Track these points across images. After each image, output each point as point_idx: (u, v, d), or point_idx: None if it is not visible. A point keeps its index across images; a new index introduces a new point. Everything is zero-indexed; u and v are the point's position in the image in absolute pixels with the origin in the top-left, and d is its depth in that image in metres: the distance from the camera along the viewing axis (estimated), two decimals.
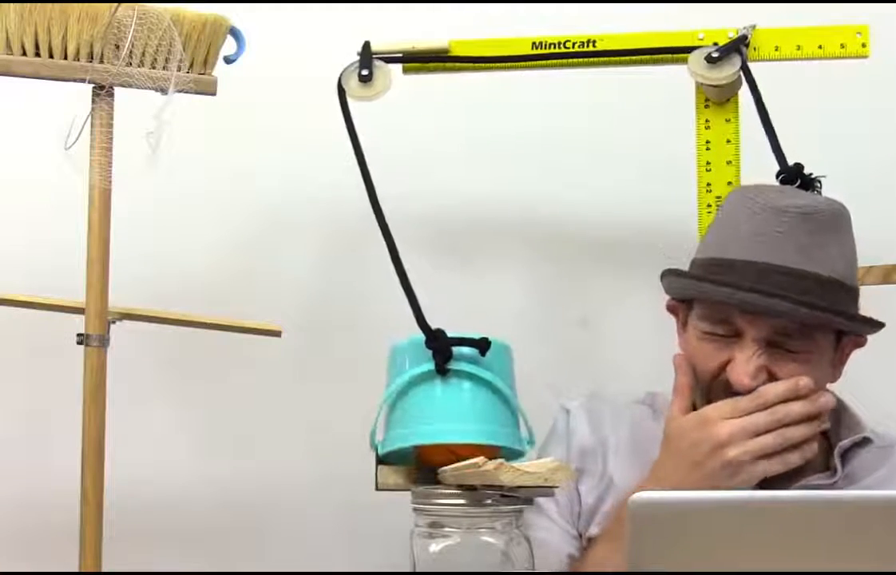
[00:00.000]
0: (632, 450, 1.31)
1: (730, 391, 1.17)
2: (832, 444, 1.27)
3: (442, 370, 1.11)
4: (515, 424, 1.14)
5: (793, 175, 1.25)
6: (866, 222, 1.35)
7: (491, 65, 1.42)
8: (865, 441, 1.26)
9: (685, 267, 1.26)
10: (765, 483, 1.21)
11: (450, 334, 1.12)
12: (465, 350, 1.12)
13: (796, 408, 1.14)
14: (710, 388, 1.21)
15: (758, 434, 1.13)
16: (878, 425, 1.30)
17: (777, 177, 1.27)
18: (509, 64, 1.42)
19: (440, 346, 1.11)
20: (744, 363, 1.17)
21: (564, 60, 1.40)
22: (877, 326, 1.22)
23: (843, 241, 1.20)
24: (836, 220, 1.19)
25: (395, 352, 1.16)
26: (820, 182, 1.25)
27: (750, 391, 1.16)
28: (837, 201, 1.22)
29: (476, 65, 1.42)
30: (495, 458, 1.05)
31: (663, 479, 1.17)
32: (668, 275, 1.25)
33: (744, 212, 1.20)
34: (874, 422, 1.31)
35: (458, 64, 1.42)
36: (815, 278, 1.16)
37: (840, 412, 1.29)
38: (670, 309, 1.30)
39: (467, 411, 1.11)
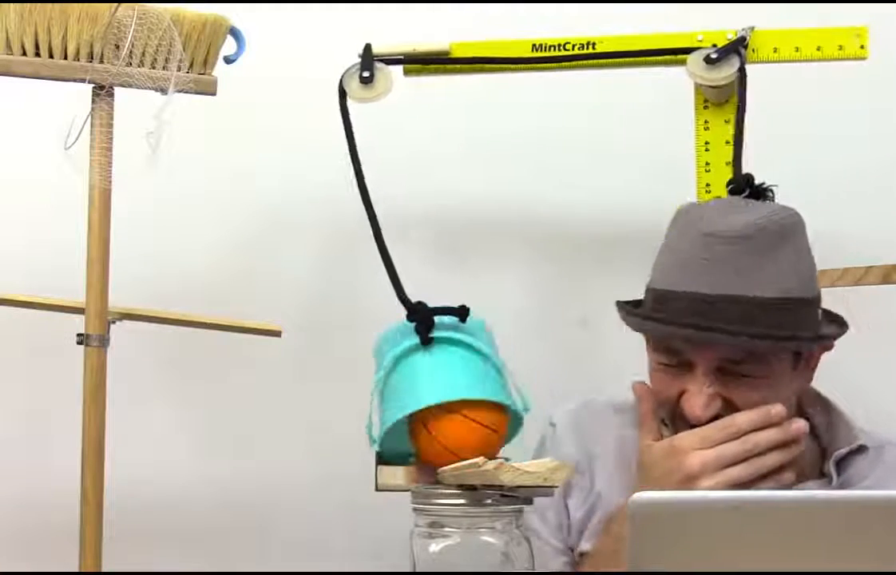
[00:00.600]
0: (618, 462, 1.30)
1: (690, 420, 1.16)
2: (826, 452, 1.26)
3: (426, 340, 1.13)
4: (508, 388, 1.15)
5: (741, 185, 1.22)
6: (866, 222, 1.36)
7: (491, 67, 1.42)
8: (861, 449, 1.24)
9: None
10: (755, 487, 1.21)
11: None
12: (447, 321, 1.14)
13: (767, 436, 1.12)
14: (672, 414, 1.20)
15: (729, 464, 1.12)
16: (868, 423, 1.29)
17: (727, 186, 1.25)
18: (510, 66, 1.42)
19: (422, 316, 1.13)
20: (696, 395, 1.15)
21: (564, 63, 1.41)
22: (829, 337, 1.19)
23: (796, 251, 1.15)
24: (782, 234, 1.14)
25: (379, 342, 1.18)
26: (772, 191, 1.22)
27: (705, 422, 1.14)
28: (789, 208, 1.17)
29: (477, 67, 1.42)
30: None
31: None
32: (618, 309, 1.25)
33: (682, 238, 1.17)
34: (864, 419, 1.30)
35: (458, 66, 1.43)
36: (757, 303, 1.11)
37: (832, 415, 1.28)
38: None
39: (458, 373, 1.13)
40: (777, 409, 1.13)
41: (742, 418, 1.13)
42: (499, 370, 1.15)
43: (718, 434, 1.13)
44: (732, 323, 1.11)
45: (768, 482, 1.13)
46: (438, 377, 1.13)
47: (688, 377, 1.17)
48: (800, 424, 1.14)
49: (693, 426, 1.16)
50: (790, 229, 1.15)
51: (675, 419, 1.20)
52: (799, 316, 1.15)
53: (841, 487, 1.22)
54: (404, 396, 1.13)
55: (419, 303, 1.15)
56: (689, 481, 1.12)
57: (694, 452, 1.12)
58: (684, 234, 1.18)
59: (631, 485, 1.21)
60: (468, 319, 1.16)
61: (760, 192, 1.22)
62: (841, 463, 1.24)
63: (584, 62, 1.40)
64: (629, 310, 1.23)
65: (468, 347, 1.14)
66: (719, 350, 1.14)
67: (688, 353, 1.16)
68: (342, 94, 1.36)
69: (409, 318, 1.15)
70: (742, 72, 1.33)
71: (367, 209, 1.22)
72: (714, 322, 1.11)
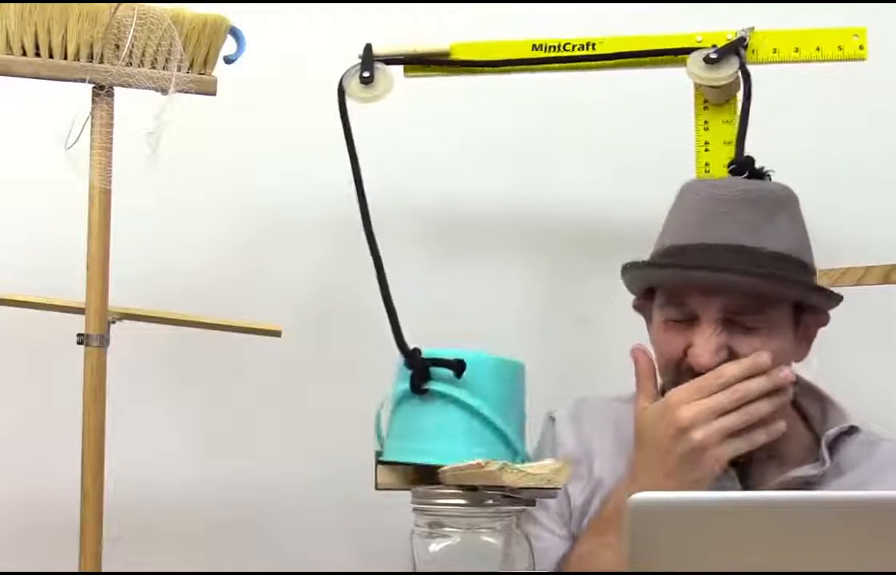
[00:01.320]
0: (616, 451, 1.31)
1: (695, 375, 1.18)
2: (818, 435, 1.27)
3: (419, 391, 1.13)
4: (499, 444, 1.14)
5: (742, 167, 1.26)
6: (866, 222, 1.36)
7: (491, 69, 1.42)
8: (852, 430, 1.26)
9: None
10: (750, 473, 1.22)
11: (436, 348, 1.14)
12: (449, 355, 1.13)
13: (757, 384, 1.14)
14: (677, 375, 1.21)
15: (721, 414, 1.13)
16: (865, 424, 1.29)
17: (727, 167, 1.29)
18: (509, 68, 1.42)
19: (417, 366, 1.13)
20: (703, 343, 1.18)
21: (564, 64, 1.41)
22: (833, 298, 1.22)
23: (793, 219, 1.22)
24: (783, 201, 1.21)
25: (396, 365, 1.18)
26: (769, 175, 1.26)
27: (711, 370, 1.16)
28: (785, 185, 1.23)
29: (477, 69, 1.42)
30: None
31: (638, 471, 1.18)
32: (624, 272, 1.28)
33: (690, 201, 1.24)
34: (864, 416, 1.30)
35: (458, 68, 1.43)
36: (764, 253, 1.18)
37: (825, 405, 1.29)
38: (637, 309, 1.32)
39: (434, 430, 1.13)
40: (764, 357, 1.15)
41: (731, 368, 1.15)
42: (491, 423, 1.13)
43: (708, 383, 1.15)
44: (742, 268, 1.16)
45: (760, 432, 1.15)
46: (421, 434, 1.14)
47: (695, 330, 1.19)
48: (787, 372, 1.16)
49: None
50: (786, 200, 1.22)
51: (679, 379, 1.20)
52: (800, 274, 1.20)
53: (835, 468, 1.23)
54: (393, 440, 1.17)
55: (415, 350, 1.14)
56: (682, 434, 1.13)
57: (685, 406, 1.14)
58: (690, 199, 1.24)
59: (629, 455, 1.22)
60: (503, 361, 1.16)
61: (760, 175, 1.26)
62: (833, 446, 1.25)
63: (585, 64, 1.41)
64: (634, 264, 1.26)
65: (459, 403, 1.13)
66: (727, 299, 1.17)
67: (696, 304, 1.19)
68: (341, 95, 1.36)
69: (406, 364, 1.15)
70: (744, 70, 1.34)
71: (368, 238, 1.22)
72: (727, 264, 1.16)
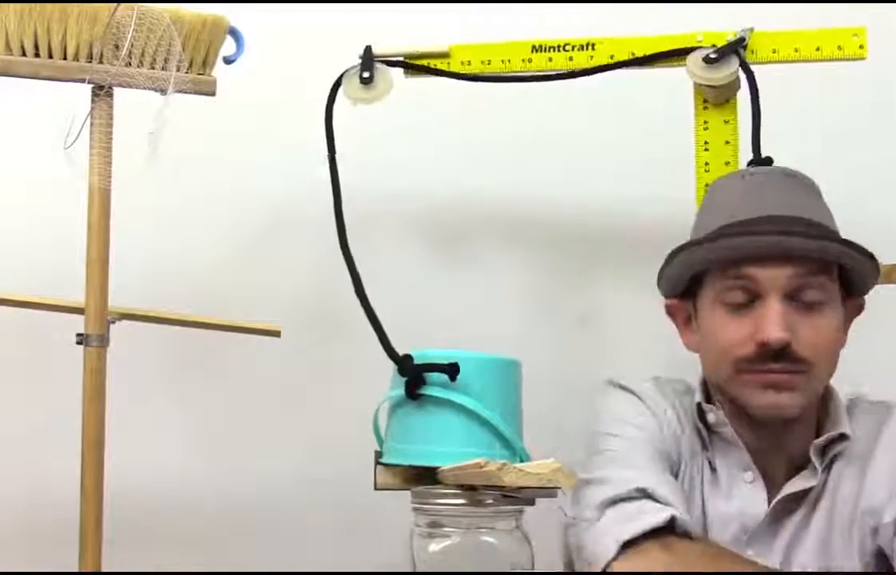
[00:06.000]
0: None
1: (758, 361, 1.16)
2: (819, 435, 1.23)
3: (413, 395, 1.14)
4: (496, 443, 1.14)
5: (761, 165, 1.27)
6: (866, 222, 1.35)
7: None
8: (842, 438, 1.22)
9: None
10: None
11: (429, 350, 1.14)
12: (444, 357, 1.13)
13: None
14: (744, 364, 1.17)
15: None
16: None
17: (748, 165, 1.28)
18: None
19: (410, 373, 1.14)
20: (774, 317, 1.15)
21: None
22: (875, 280, 1.22)
23: (824, 201, 1.23)
24: (815, 185, 1.23)
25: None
26: None
27: (782, 346, 1.14)
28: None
29: (475, 73, 1.42)
30: None
31: None
32: (673, 258, 1.22)
33: (732, 183, 1.23)
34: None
35: (458, 70, 1.42)
36: (825, 226, 1.18)
37: (828, 403, 1.25)
38: (670, 310, 1.29)
39: (431, 433, 1.14)
40: None
41: None
42: (491, 425, 1.13)
43: None
44: (812, 232, 1.16)
45: None
46: (418, 436, 1.14)
47: (757, 311, 1.17)
48: None
49: (761, 363, 1.15)
50: (817, 186, 1.24)
51: (745, 368, 1.17)
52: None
53: (825, 489, 1.21)
54: (392, 442, 1.17)
55: (406, 356, 1.15)
56: None
57: None
58: (730, 181, 1.24)
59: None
60: (497, 359, 1.16)
61: None
62: (825, 453, 1.21)
63: (584, 65, 1.40)
64: (694, 243, 1.21)
65: (453, 405, 1.13)
66: (791, 270, 1.15)
67: (760, 277, 1.16)
68: (333, 91, 1.36)
69: (400, 372, 1.15)
70: (746, 69, 1.34)
71: (344, 253, 1.25)
72: (798, 228, 1.15)
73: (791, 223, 1.16)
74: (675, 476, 1.23)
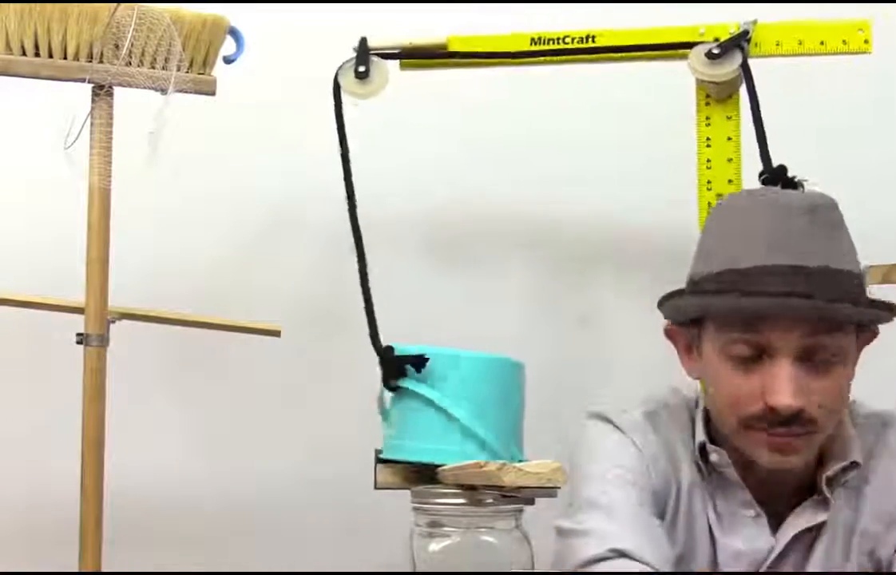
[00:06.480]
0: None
1: (766, 421, 1.09)
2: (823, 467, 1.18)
3: (391, 387, 1.17)
4: (470, 443, 1.14)
5: (776, 177, 1.19)
6: (866, 222, 1.34)
7: (489, 61, 1.40)
8: (853, 466, 1.16)
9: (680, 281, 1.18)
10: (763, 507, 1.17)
11: (427, 346, 1.15)
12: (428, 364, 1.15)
13: None
14: (752, 419, 1.11)
15: None
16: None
17: (759, 177, 1.23)
18: (507, 60, 1.40)
19: (388, 363, 1.16)
20: (784, 380, 1.07)
21: (563, 56, 1.39)
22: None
23: (845, 229, 1.12)
24: (836, 211, 1.11)
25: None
26: (803, 185, 1.19)
27: (793, 413, 1.07)
28: (826, 194, 1.14)
29: (474, 61, 1.40)
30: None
31: None
32: (675, 297, 1.15)
33: (746, 216, 1.12)
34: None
35: (456, 60, 1.40)
36: (843, 274, 1.08)
37: (837, 430, 1.17)
38: (670, 334, 1.21)
39: (414, 431, 1.16)
40: None
41: None
42: (457, 421, 1.14)
43: None
44: (829, 292, 1.06)
45: None
46: (395, 430, 1.18)
47: (766, 368, 1.09)
48: None
49: (769, 425, 1.09)
50: (839, 210, 1.12)
51: (754, 423, 1.10)
52: (863, 290, 1.12)
53: (832, 522, 1.16)
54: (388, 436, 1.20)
55: (388, 348, 1.17)
56: None
57: None
58: (744, 212, 1.12)
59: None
60: (494, 359, 1.17)
61: (794, 185, 1.19)
62: (832, 483, 1.16)
63: (584, 56, 1.39)
64: (696, 291, 1.13)
65: (425, 400, 1.15)
66: (804, 329, 1.07)
67: (770, 336, 1.08)
68: (337, 91, 1.35)
69: (380, 363, 1.17)
70: (746, 68, 1.33)
71: (355, 237, 1.24)
72: (813, 290, 1.05)
73: (808, 280, 1.06)
74: (664, 512, 1.18)
